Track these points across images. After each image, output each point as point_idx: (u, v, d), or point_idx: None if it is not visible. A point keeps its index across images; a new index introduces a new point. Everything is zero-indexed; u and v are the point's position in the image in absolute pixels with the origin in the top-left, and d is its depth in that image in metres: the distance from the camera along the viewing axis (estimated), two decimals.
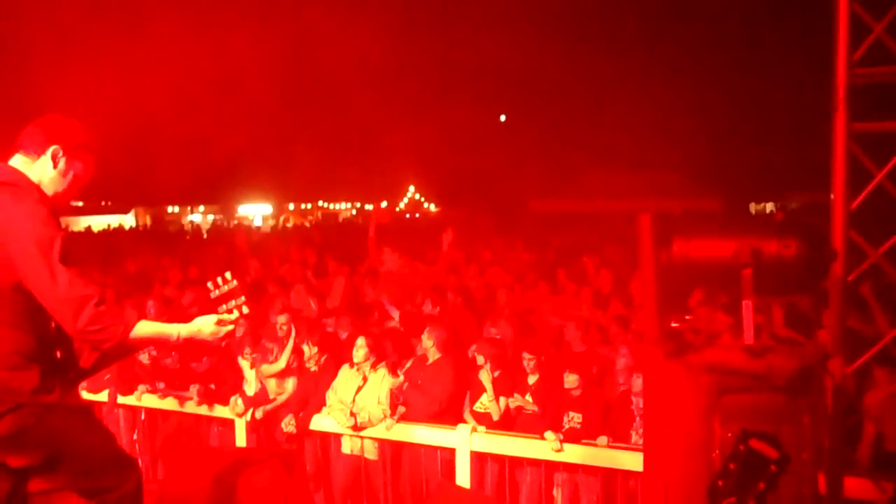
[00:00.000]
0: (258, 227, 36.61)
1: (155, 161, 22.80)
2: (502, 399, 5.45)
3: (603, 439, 4.91)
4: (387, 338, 6.24)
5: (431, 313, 6.86)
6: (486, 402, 5.51)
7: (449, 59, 31.34)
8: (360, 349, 5.71)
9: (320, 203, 53.05)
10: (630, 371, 5.34)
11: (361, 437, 5.60)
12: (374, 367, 5.72)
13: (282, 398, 6.06)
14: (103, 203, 34.91)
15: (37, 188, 2.71)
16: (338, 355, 6.08)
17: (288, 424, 5.80)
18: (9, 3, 14.06)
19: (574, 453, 4.94)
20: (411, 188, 53.56)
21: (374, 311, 7.61)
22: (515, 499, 5.35)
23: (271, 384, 6.13)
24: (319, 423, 5.76)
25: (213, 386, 6.33)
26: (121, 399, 6.54)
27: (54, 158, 2.74)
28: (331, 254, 10.96)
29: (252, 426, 6.05)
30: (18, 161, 2.74)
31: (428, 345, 5.77)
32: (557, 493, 5.20)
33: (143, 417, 6.64)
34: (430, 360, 5.76)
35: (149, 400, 6.46)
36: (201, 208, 46.48)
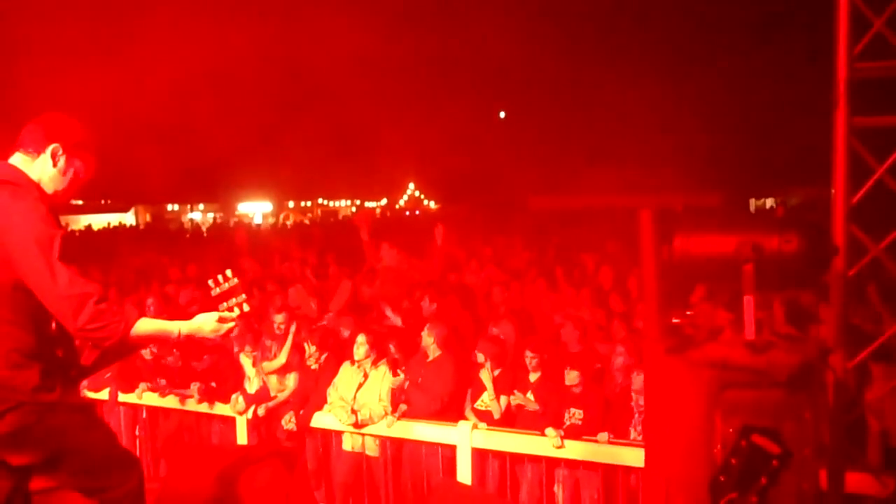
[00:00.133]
0: (258, 225, 36.63)
1: (155, 159, 22.78)
2: (503, 398, 5.45)
3: (604, 435, 4.91)
4: (390, 336, 6.25)
5: (430, 311, 6.87)
6: (487, 401, 5.51)
7: (448, 56, 31.33)
8: (360, 346, 5.71)
9: (320, 200, 53.06)
10: (627, 369, 5.35)
11: (362, 435, 5.60)
12: (374, 364, 5.72)
13: (283, 395, 6.07)
14: (103, 201, 34.90)
15: (36, 186, 2.71)
16: (338, 353, 6.09)
17: (289, 422, 5.81)
18: (9, 2, 14.05)
19: (575, 450, 4.95)
20: (411, 185, 53.57)
21: (374, 309, 7.61)
22: (516, 495, 5.35)
23: (272, 381, 6.14)
24: (320, 420, 5.76)
25: (213, 384, 6.34)
26: (122, 397, 6.54)
27: (54, 157, 2.73)
28: (332, 253, 10.96)
29: (253, 424, 6.06)
30: (18, 159, 2.74)
31: (428, 342, 5.78)
32: (558, 490, 5.20)
33: (144, 415, 6.64)
34: (431, 358, 5.77)
35: (150, 398, 6.47)
36: (201, 206, 46.48)
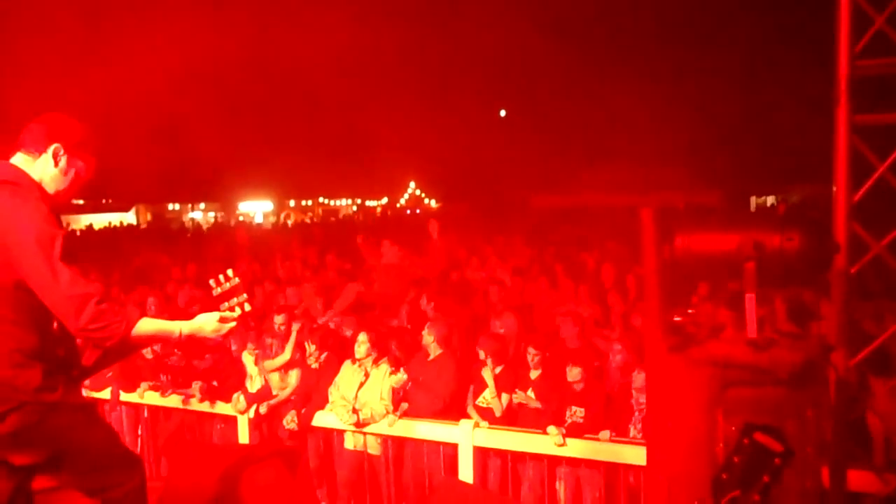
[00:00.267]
0: (259, 224, 36.65)
1: (155, 158, 22.79)
2: (504, 396, 5.46)
3: (605, 433, 4.91)
4: (391, 335, 6.26)
5: (428, 309, 6.88)
6: (488, 398, 5.51)
7: (449, 54, 31.31)
8: (361, 345, 5.72)
9: (321, 199, 53.06)
10: (625, 367, 5.36)
11: (364, 434, 5.60)
12: (375, 362, 5.72)
13: (285, 393, 6.07)
14: (104, 201, 34.91)
15: (38, 186, 2.71)
16: (339, 353, 6.09)
17: (290, 421, 5.81)
18: (9, 2, 14.05)
19: (576, 448, 4.95)
20: (412, 184, 53.57)
21: (376, 308, 7.63)
22: (518, 493, 5.35)
23: (274, 379, 6.14)
24: (322, 419, 5.76)
25: (215, 383, 6.34)
26: (123, 396, 6.55)
27: (55, 157, 2.74)
28: (333, 252, 10.97)
29: (254, 423, 6.06)
30: (20, 159, 2.74)
31: (428, 340, 5.78)
32: (560, 488, 5.21)
33: (145, 415, 6.65)
34: (432, 356, 5.77)
35: (151, 397, 6.47)
36: (202, 206, 46.48)
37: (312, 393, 5.91)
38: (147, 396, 6.47)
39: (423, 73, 34.93)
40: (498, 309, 6.93)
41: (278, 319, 6.37)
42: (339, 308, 7.49)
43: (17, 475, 2.70)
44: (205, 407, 6.23)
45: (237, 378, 6.32)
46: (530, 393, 5.41)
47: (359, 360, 5.73)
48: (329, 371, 5.96)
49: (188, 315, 2.90)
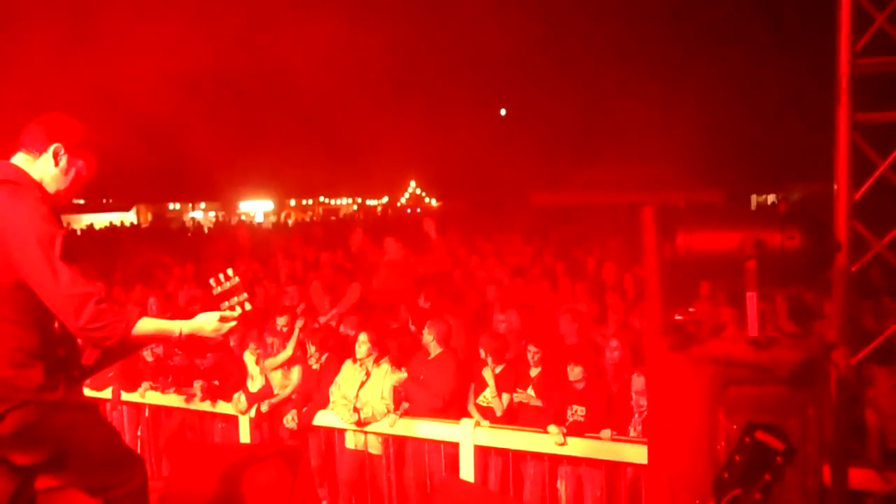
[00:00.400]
0: (260, 224, 36.65)
1: (156, 158, 22.79)
2: (505, 395, 5.45)
3: (606, 432, 4.91)
4: (392, 335, 6.26)
5: (427, 308, 6.88)
6: (488, 398, 5.51)
7: (449, 53, 31.31)
8: (362, 345, 5.72)
9: (321, 199, 53.05)
10: (621, 363, 5.36)
11: (365, 433, 5.60)
12: (376, 362, 5.72)
13: (287, 391, 6.07)
14: (105, 200, 34.91)
15: (38, 186, 2.71)
16: (340, 352, 6.09)
17: (291, 420, 5.81)
18: (10, 2, 14.05)
19: (577, 446, 4.95)
20: (412, 183, 53.55)
21: (378, 307, 7.63)
22: (519, 492, 5.35)
23: (276, 378, 6.15)
24: (323, 418, 5.77)
25: (216, 382, 6.34)
26: (124, 396, 6.55)
27: (56, 156, 2.74)
28: (333, 251, 10.97)
29: (255, 422, 6.06)
30: (20, 159, 2.74)
31: (429, 339, 5.78)
32: (561, 487, 5.21)
33: (146, 414, 6.65)
34: (432, 355, 5.77)
35: (152, 397, 6.48)
36: (202, 205, 46.47)
37: (313, 392, 5.92)
38: (148, 396, 6.48)
39: (423, 72, 34.94)
40: (495, 308, 6.93)
41: (280, 321, 6.37)
42: (344, 307, 7.50)
43: (19, 475, 2.70)
44: (206, 406, 6.24)
45: (238, 377, 6.32)
46: (531, 391, 5.42)
47: (360, 359, 5.73)
48: (330, 371, 5.96)
49: (189, 314, 2.90)
